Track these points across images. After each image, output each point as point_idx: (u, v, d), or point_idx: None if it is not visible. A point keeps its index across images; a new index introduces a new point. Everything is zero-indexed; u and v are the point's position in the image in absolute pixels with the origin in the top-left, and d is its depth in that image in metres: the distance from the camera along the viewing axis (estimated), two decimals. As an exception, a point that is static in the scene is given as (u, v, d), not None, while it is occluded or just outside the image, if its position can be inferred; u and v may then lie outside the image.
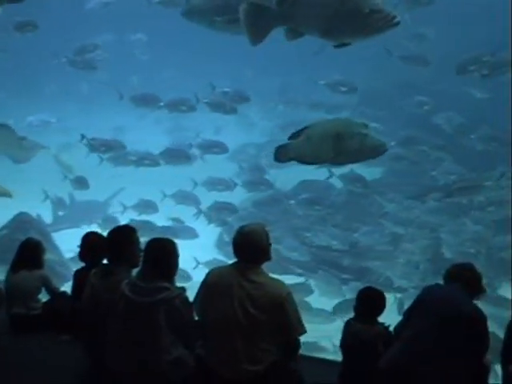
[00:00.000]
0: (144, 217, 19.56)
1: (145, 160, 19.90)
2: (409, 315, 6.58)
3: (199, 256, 18.08)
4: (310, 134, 10.55)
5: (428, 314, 6.38)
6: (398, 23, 9.56)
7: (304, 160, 10.80)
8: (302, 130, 10.68)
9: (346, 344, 7.38)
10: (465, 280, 6.57)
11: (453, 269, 6.72)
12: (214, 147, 20.63)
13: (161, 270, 6.91)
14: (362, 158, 10.81)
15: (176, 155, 19.90)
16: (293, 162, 10.73)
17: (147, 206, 20.05)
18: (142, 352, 6.76)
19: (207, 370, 6.74)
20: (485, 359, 6.47)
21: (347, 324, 7.46)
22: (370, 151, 10.54)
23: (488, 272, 15.36)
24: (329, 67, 22.81)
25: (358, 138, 10.38)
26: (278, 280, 6.91)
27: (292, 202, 19.77)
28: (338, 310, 15.66)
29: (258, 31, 10.28)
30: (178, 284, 7.08)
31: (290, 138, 10.68)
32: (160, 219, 19.87)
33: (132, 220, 18.65)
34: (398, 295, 15.95)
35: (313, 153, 10.58)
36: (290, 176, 21.86)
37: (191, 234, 19.91)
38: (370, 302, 7.37)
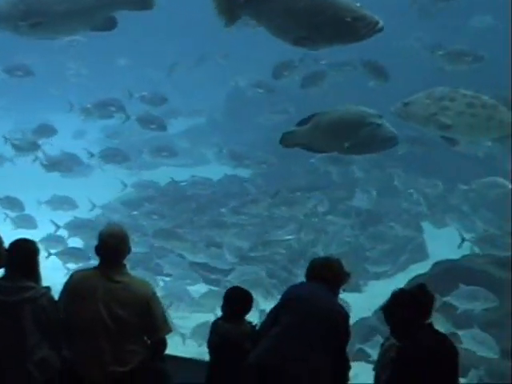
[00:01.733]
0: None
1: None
2: (276, 313, 6.65)
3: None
4: (320, 122, 10.23)
5: (293, 312, 6.48)
6: (381, 29, 9.10)
7: (312, 148, 10.54)
8: (310, 116, 10.35)
9: (213, 343, 7.40)
10: (327, 277, 6.65)
11: (315, 265, 6.77)
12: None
13: (25, 270, 6.78)
14: (372, 149, 10.53)
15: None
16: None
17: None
18: (7, 352, 6.62)
19: (73, 371, 6.65)
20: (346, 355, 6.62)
21: (215, 324, 7.48)
22: (380, 143, 10.22)
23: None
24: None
25: (369, 128, 10.08)
26: (142, 280, 6.90)
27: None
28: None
29: (227, 15, 9.59)
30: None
31: (299, 124, 10.38)
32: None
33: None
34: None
35: (322, 141, 10.30)
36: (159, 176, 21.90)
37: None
38: (237, 301, 7.42)
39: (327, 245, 18.66)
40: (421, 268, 16.72)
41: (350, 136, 10.09)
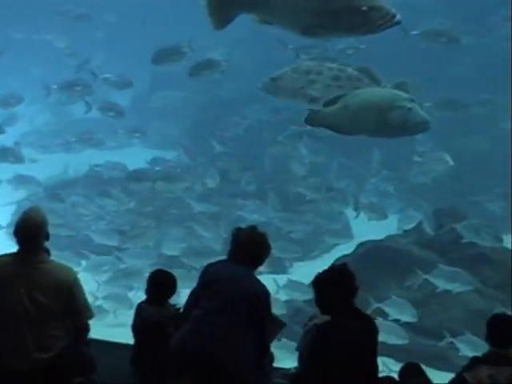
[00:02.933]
0: None
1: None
2: (197, 295, 6.60)
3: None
4: (349, 103, 10.00)
5: (215, 295, 6.44)
6: (398, 22, 8.78)
7: (338, 129, 10.25)
8: (338, 97, 10.11)
9: (137, 327, 7.36)
10: (251, 253, 6.61)
11: (240, 242, 6.68)
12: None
13: None
14: (402, 133, 10.28)
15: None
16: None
17: None
18: None
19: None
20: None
21: (139, 307, 7.44)
22: (411, 127, 9.99)
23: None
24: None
25: (400, 111, 9.85)
26: (64, 265, 6.80)
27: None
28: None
29: (220, 16, 9.27)
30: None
31: (326, 104, 10.13)
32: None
33: None
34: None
35: (349, 123, 10.04)
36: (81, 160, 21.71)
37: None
38: (160, 284, 7.39)
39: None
40: (346, 249, 16.87)
41: (379, 119, 9.91)
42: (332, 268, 6.60)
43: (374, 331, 6.33)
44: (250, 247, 6.60)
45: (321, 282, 6.36)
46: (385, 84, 10.83)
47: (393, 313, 13.55)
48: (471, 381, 6.08)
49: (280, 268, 17.21)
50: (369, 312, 13.27)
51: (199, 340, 6.35)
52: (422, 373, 7.16)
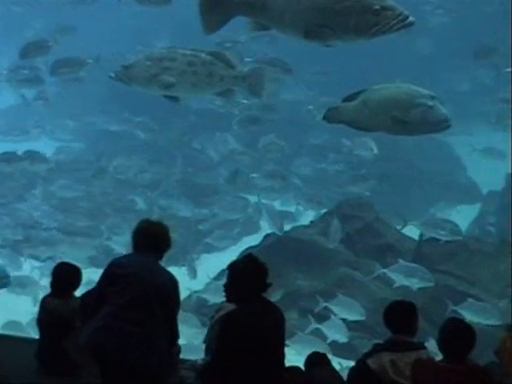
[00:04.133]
0: None
1: None
2: (104, 289, 6.49)
3: None
4: (368, 99, 9.73)
5: (125, 290, 6.36)
6: (412, 23, 8.30)
7: (357, 125, 10.01)
8: (357, 92, 9.83)
9: (42, 320, 7.24)
10: (150, 246, 6.59)
11: (142, 235, 6.64)
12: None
13: None
14: (422, 130, 9.96)
15: None
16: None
17: None
18: None
19: None
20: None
21: (43, 300, 7.32)
22: (431, 125, 9.71)
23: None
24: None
25: (420, 109, 9.59)
26: None
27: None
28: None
29: (213, 19, 8.97)
30: None
31: (345, 100, 9.87)
32: None
33: None
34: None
35: (368, 119, 9.76)
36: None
37: None
38: (63, 276, 7.29)
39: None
40: (253, 240, 16.96)
41: (398, 116, 9.66)
42: (246, 257, 6.61)
43: (282, 321, 6.37)
44: (151, 238, 6.56)
45: (234, 269, 6.37)
46: (240, 69, 10.94)
47: (340, 312, 13.58)
48: (373, 366, 6.18)
49: (187, 260, 17.20)
50: (316, 311, 13.56)
51: (112, 338, 6.25)
52: (328, 362, 7.24)
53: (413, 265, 14.00)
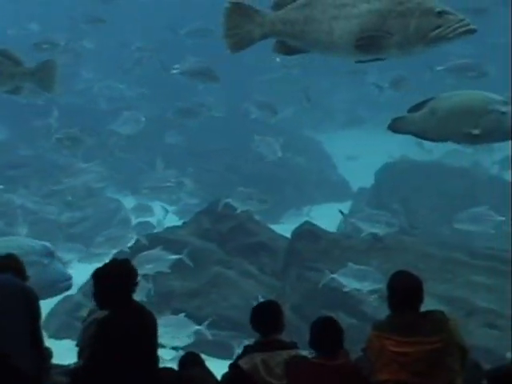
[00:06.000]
0: None
1: None
2: None
3: None
4: (436, 108, 9.33)
5: None
6: (475, 30, 7.93)
7: (426, 136, 9.57)
8: (424, 101, 9.43)
9: None
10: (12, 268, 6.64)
11: None
12: None
13: None
14: (496, 139, 9.54)
15: None
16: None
17: None
18: None
19: None
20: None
21: None
22: (505, 132, 9.22)
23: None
24: None
25: (493, 116, 9.14)
26: None
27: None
28: None
29: (239, 39, 8.44)
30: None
31: (411, 110, 9.46)
32: None
33: None
34: None
35: (437, 129, 9.35)
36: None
37: None
38: None
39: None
40: (127, 242, 16.78)
41: (470, 124, 9.25)
42: (113, 262, 6.56)
43: (154, 325, 6.35)
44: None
45: (101, 276, 6.29)
46: (28, 65, 10.76)
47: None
48: (245, 367, 6.21)
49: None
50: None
51: None
52: (201, 362, 7.24)
53: (362, 267, 13.69)
